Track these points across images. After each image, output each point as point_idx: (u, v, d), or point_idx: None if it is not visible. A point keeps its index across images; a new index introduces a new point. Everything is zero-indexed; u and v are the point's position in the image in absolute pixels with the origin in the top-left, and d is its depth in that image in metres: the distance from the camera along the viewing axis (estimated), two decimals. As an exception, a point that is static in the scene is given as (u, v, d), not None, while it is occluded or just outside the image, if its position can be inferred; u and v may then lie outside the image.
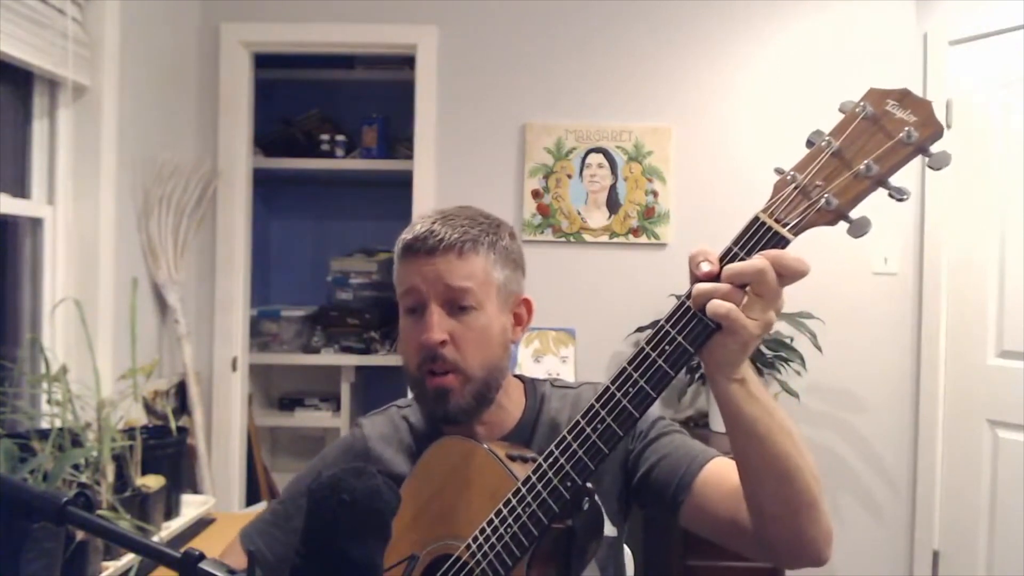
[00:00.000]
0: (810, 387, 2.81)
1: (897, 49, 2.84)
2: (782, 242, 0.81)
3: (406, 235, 1.11)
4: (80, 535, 1.44)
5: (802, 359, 2.69)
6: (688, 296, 0.84)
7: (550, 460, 0.93)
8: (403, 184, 3.05)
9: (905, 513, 2.86)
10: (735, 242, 0.83)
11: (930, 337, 2.80)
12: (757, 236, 0.82)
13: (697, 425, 2.80)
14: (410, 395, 1.18)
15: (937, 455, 2.76)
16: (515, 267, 1.16)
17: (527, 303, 1.19)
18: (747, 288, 0.81)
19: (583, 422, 0.91)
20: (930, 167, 0.79)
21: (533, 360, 2.84)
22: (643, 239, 2.90)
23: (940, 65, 2.77)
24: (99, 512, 1.45)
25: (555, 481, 0.92)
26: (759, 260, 0.80)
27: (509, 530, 0.94)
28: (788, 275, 0.81)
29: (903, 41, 2.85)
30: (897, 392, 2.87)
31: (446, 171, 2.94)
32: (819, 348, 2.65)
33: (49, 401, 1.68)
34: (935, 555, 2.75)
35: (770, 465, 0.89)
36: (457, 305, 1.08)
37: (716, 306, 0.81)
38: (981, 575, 2.60)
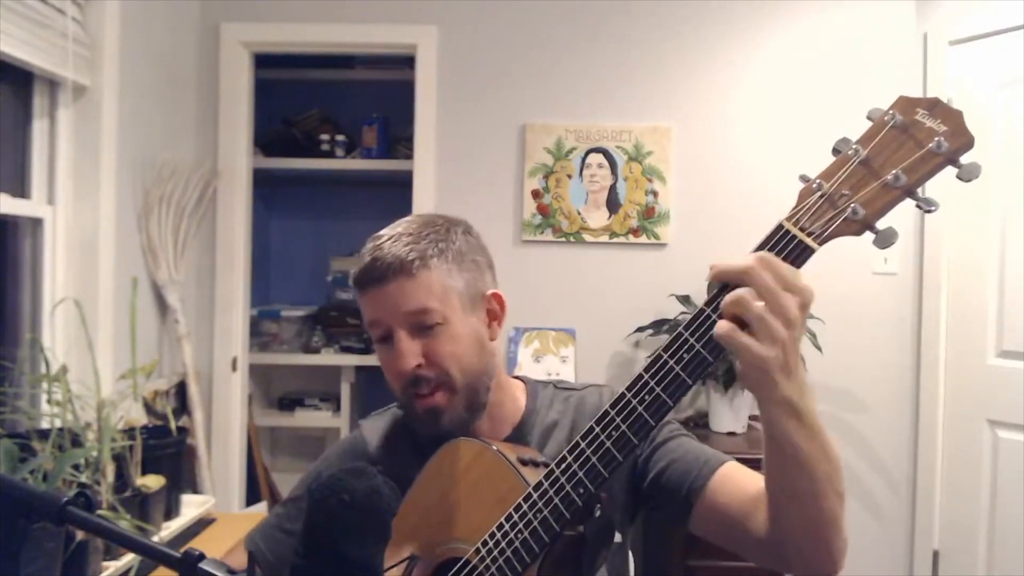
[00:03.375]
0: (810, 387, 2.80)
1: (897, 49, 2.84)
2: (806, 251, 0.79)
3: (354, 269, 1.09)
4: (80, 535, 1.44)
5: (802, 359, 2.68)
6: (707, 304, 0.82)
7: (563, 466, 0.91)
8: (403, 184, 3.05)
9: (905, 513, 2.86)
10: (758, 250, 0.81)
11: (930, 337, 2.80)
12: (781, 244, 0.80)
13: (697, 425, 2.80)
14: None
15: (937, 455, 2.76)
16: (475, 266, 1.12)
17: (497, 298, 1.14)
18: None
19: (597, 428, 0.89)
20: (959, 178, 0.77)
21: (533, 360, 2.84)
22: (643, 239, 2.90)
23: (940, 65, 2.76)
24: (99, 512, 1.45)
25: (568, 487, 0.90)
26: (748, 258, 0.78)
27: (520, 535, 0.93)
28: (777, 276, 0.77)
29: (903, 41, 2.84)
30: (897, 392, 2.87)
31: (446, 171, 2.94)
32: (819, 348, 2.65)
33: (49, 401, 1.68)
34: (935, 555, 2.75)
35: (800, 487, 0.87)
36: (422, 325, 1.06)
37: (716, 329, 0.78)
38: (981, 575, 2.60)
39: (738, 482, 1.02)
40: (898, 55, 2.84)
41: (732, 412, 2.67)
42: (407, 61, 3.13)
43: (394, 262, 1.05)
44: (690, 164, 2.90)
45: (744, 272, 0.77)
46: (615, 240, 2.91)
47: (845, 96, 2.77)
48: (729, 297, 0.77)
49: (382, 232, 1.10)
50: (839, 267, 2.78)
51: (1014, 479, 2.50)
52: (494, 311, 1.14)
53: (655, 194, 2.89)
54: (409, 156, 3.11)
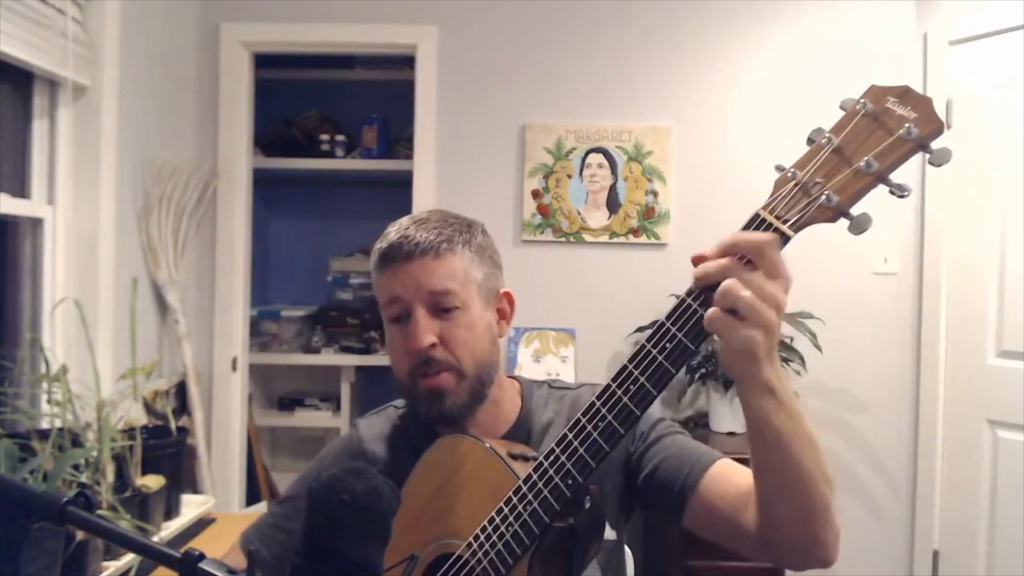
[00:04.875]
0: (810, 387, 2.81)
1: (897, 49, 2.84)
2: (782, 238, 0.81)
3: (380, 244, 1.11)
4: (80, 535, 1.44)
5: (802, 359, 2.69)
6: (688, 294, 0.84)
7: (551, 458, 0.92)
8: (403, 184, 3.05)
9: (905, 513, 2.86)
10: None
11: (930, 337, 2.80)
12: None
13: (697, 425, 2.80)
14: None
15: (937, 455, 2.76)
16: (492, 264, 1.15)
17: (508, 296, 1.18)
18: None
19: (584, 420, 0.91)
20: (931, 163, 0.79)
21: (533, 360, 2.84)
22: (643, 239, 2.90)
23: (940, 65, 2.76)
24: (99, 512, 1.45)
25: (556, 479, 0.91)
26: (723, 260, 0.81)
27: (510, 528, 0.94)
28: (753, 255, 0.80)
29: (903, 41, 2.85)
30: (897, 392, 2.87)
31: (446, 171, 2.94)
32: (819, 348, 2.65)
33: (49, 401, 1.68)
34: (935, 555, 2.75)
35: (788, 473, 0.88)
36: (441, 307, 1.08)
37: (705, 318, 0.81)
38: (981, 575, 2.60)
39: (730, 478, 1.03)
40: (898, 55, 2.84)
41: (732, 412, 2.67)
42: (407, 61, 3.13)
43: (423, 242, 1.07)
44: (690, 164, 2.91)
45: (726, 269, 0.80)
46: (615, 240, 2.91)
47: (845, 96, 2.76)
48: (718, 292, 0.80)
49: (403, 220, 1.13)
50: (839, 267, 2.78)
51: (1014, 479, 2.50)
52: (504, 310, 1.18)
53: (655, 194, 2.89)
54: (409, 156, 3.11)
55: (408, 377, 1.10)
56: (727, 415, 2.68)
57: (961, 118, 2.67)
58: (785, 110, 2.85)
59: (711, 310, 0.80)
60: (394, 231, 1.10)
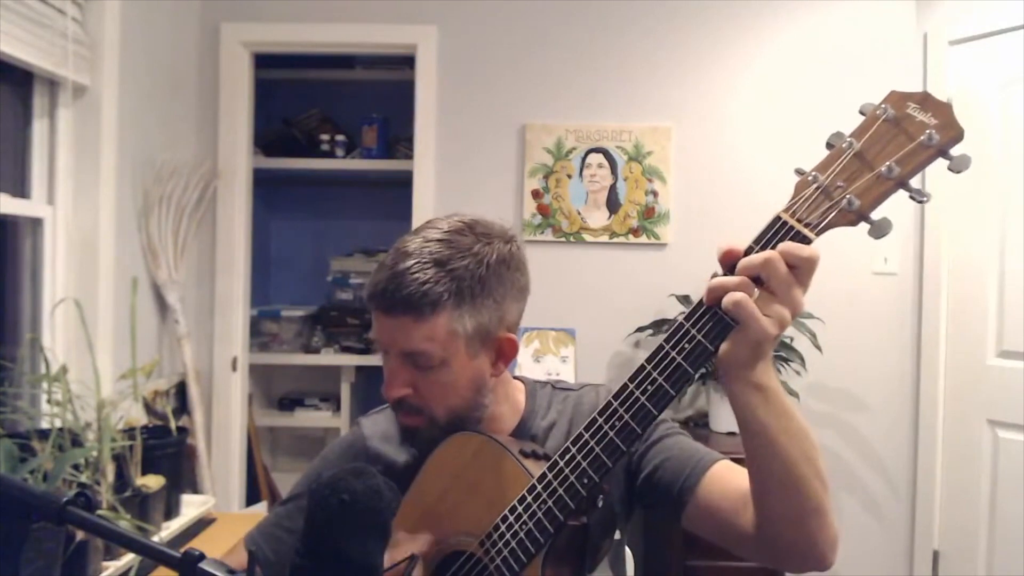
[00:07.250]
0: (810, 387, 2.81)
1: (897, 49, 2.84)
2: (804, 242, 0.81)
3: (371, 279, 1.06)
4: (80, 535, 1.44)
5: (802, 359, 2.69)
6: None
7: (567, 457, 0.92)
8: (403, 184, 3.05)
9: (905, 513, 2.86)
10: (756, 241, 0.83)
11: (930, 337, 2.80)
12: (779, 236, 0.81)
13: (697, 425, 2.80)
14: None
15: (937, 455, 2.76)
16: (495, 305, 1.05)
17: (509, 342, 1.09)
18: (762, 285, 0.81)
19: (601, 420, 0.91)
20: (950, 170, 0.79)
21: (533, 360, 2.84)
22: (643, 239, 2.90)
23: (940, 65, 2.76)
24: (99, 512, 1.45)
25: (572, 478, 0.92)
26: (767, 251, 0.80)
27: (524, 527, 0.94)
28: (797, 264, 0.80)
29: (903, 41, 2.85)
30: (897, 392, 2.87)
31: (446, 171, 2.94)
32: (819, 348, 2.65)
33: (49, 401, 1.68)
34: (935, 555, 2.75)
35: (778, 470, 0.89)
36: (417, 364, 1.05)
37: (728, 297, 0.81)
38: (981, 575, 2.60)
39: (729, 480, 1.03)
40: (898, 55, 2.84)
41: (732, 412, 2.67)
42: (407, 61, 3.13)
43: (407, 298, 1.01)
44: (690, 164, 2.90)
45: (765, 262, 0.80)
46: (615, 240, 2.91)
47: (845, 96, 2.74)
48: (762, 258, 0.80)
49: (411, 244, 1.04)
50: (839, 267, 2.78)
51: (1014, 479, 2.50)
52: (503, 352, 1.10)
53: (655, 194, 2.89)
54: (409, 156, 3.11)
55: (390, 404, 1.12)
56: (727, 415, 2.68)
57: (961, 118, 2.66)
58: (785, 110, 2.85)
59: (738, 294, 0.80)
60: (389, 263, 1.04)
